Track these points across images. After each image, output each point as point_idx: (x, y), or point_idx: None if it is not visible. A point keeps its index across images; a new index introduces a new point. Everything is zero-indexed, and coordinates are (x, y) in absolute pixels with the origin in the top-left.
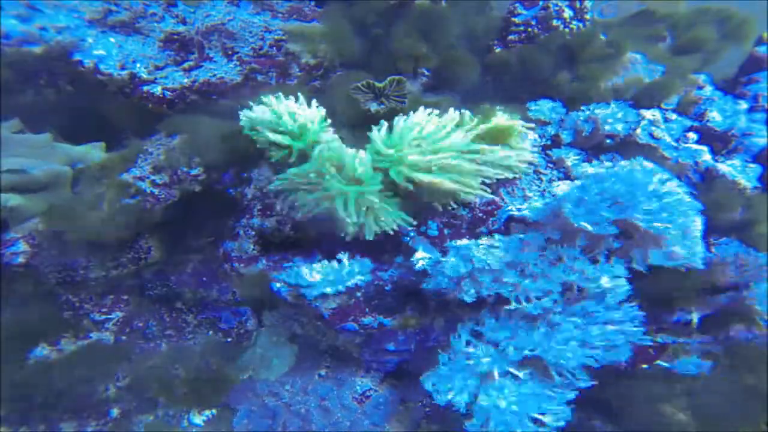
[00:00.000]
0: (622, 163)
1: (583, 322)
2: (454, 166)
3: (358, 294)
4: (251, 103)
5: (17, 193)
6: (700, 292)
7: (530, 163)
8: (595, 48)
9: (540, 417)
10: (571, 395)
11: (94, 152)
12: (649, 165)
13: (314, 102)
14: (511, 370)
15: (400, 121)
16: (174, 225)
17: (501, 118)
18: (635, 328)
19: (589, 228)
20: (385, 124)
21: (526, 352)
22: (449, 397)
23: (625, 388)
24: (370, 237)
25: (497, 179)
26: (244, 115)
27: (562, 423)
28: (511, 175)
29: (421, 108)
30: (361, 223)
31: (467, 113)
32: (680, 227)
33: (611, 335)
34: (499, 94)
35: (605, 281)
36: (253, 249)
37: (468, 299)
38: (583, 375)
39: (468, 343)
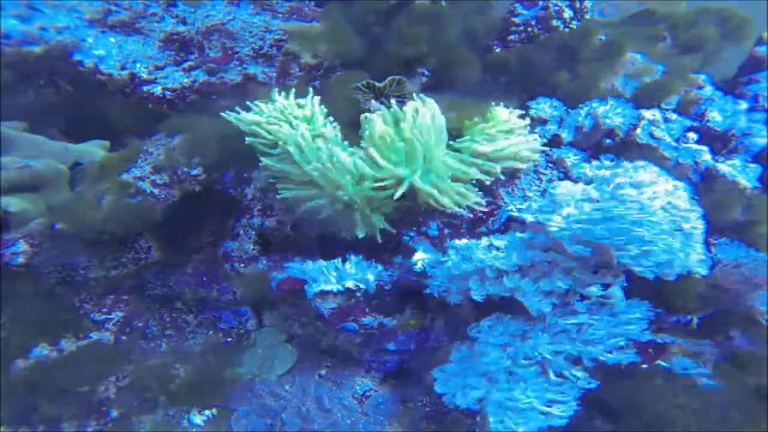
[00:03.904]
0: (626, 164)
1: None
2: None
3: (358, 294)
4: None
5: (18, 193)
6: (701, 295)
7: (535, 156)
8: (592, 45)
9: (548, 410)
10: (576, 393)
11: (96, 151)
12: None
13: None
14: (517, 368)
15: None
16: (174, 225)
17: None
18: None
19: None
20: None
21: (535, 352)
22: (456, 397)
23: (625, 388)
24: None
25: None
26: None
27: (565, 420)
28: (520, 165)
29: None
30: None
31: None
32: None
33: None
34: (499, 94)
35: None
36: (253, 249)
37: (477, 298)
38: (584, 375)
39: (473, 343)
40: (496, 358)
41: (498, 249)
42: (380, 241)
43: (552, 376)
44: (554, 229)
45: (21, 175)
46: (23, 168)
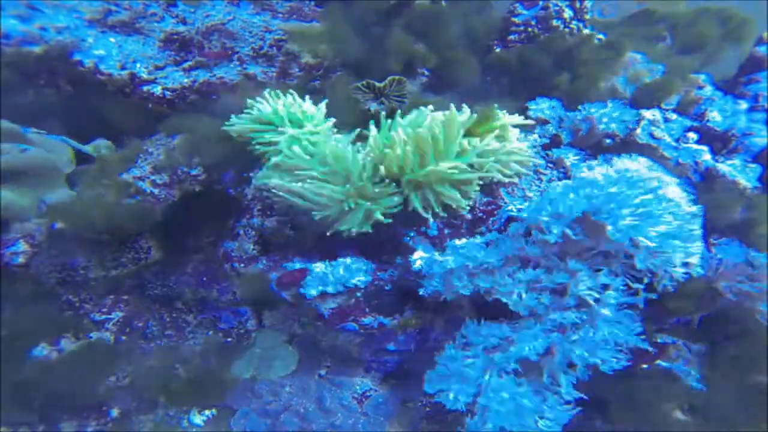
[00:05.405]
0: (616, 160)
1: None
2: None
3: (358, 294)
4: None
5: (13, 185)
6: (700, 297)
7: (527, 164)
8: (591, 50)
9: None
10: (569, 397)
11: (99, 150)
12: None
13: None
14: (506, 371)
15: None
16: (174, 225)
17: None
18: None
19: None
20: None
21: (525, 352)
22: (448, 398)
23: (625, 388)
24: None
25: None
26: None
27: (558, 428)
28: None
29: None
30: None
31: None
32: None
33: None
34: (499, 94)
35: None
36: (253, 249)
37: (464, 292)
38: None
39: (463, 346)
40: (484, 361)
41: (487, 244)
42: (372, 232)
43: (543, 381)
44: (545, 218)
45: (18, 160)
46: (21, 152)
